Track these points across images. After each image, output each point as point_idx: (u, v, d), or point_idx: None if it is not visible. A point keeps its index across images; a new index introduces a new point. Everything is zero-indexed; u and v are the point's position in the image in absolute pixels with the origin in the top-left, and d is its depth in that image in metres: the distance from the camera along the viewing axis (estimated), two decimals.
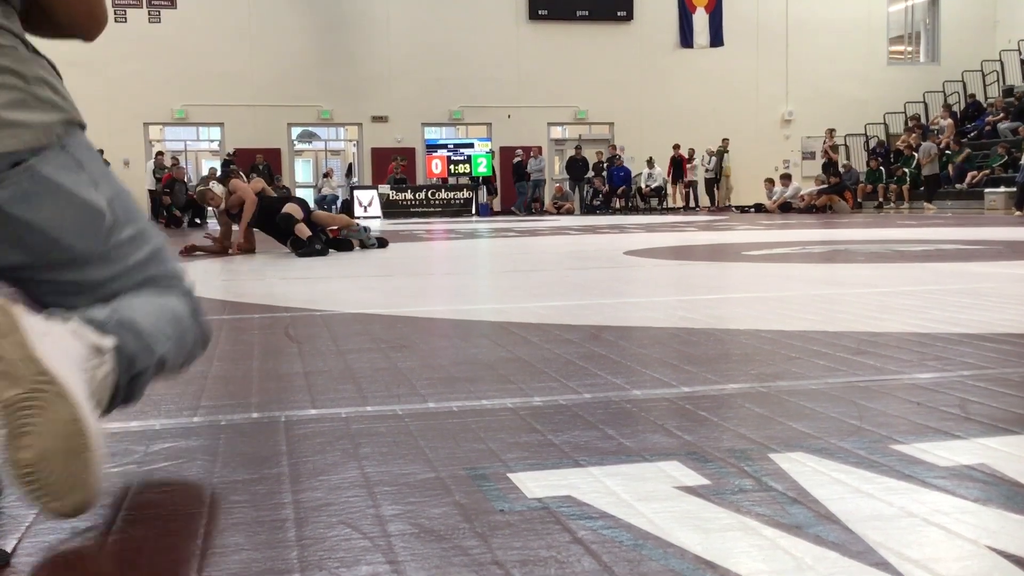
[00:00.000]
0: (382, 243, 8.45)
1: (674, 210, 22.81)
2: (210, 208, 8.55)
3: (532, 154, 22.57)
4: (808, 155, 25.35)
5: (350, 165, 25.06)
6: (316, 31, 23.01)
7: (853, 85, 25.15)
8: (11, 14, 1.39)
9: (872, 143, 24.16)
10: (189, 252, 8.01)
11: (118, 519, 1.25)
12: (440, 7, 23.44)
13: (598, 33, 24.37)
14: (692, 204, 23.63)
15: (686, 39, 24.72)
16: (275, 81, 22.73)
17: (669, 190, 23.53)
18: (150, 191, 20.13)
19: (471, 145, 23.46)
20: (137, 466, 1.51)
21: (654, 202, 23.19)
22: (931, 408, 1.78)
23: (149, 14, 22.10)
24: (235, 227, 8.17)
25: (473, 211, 21.79)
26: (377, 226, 14.59)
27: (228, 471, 1.46)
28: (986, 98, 24.01)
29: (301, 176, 25.66)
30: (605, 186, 23.06)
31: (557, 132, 25.50)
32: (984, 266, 5.28)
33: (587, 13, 24.30)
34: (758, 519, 1.18)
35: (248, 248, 8.11)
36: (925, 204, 18.89)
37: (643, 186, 23.27)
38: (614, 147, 24.03)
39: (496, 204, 23.48)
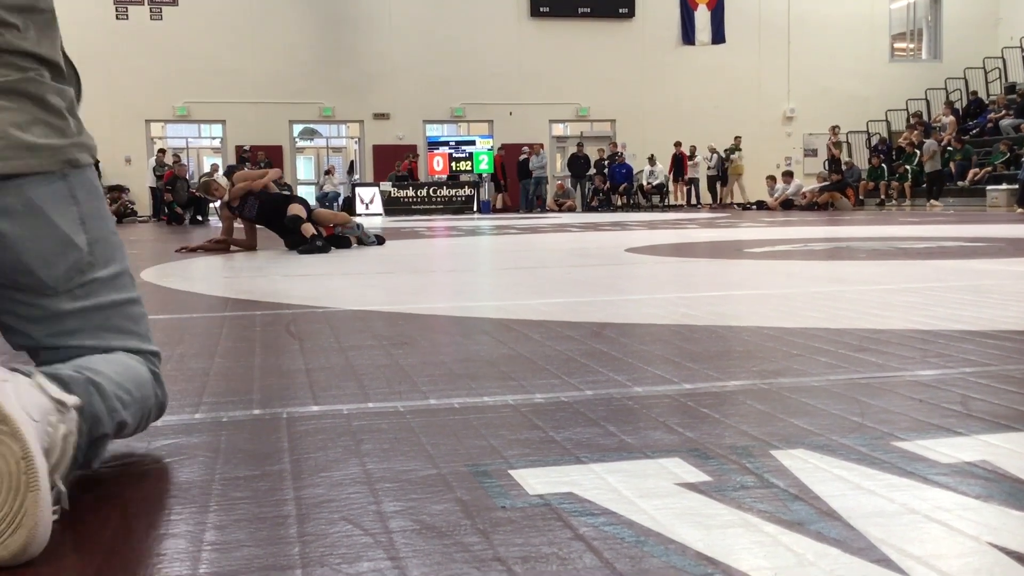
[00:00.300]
0: (380, 240, 8.46)
1: (676, 207, 22.81)
2: (212, 205, 8.55)
3: (533, 151, 22.57)
4: (810, 152, 25.35)
5: (352, 162, 25.07)
6: (318, 28, 23.00)
7: (855, 82, 25.14)
8: (46, 31, 1.40)
9: (874, 140, 24.14)
10: (190, 251, 8.01)
11: (117, 515, 1.25)
12: (442, 4, 23.44)
13: (600, 30, 24.36)
14: (694, 201, 23.62)
15: (688, 36, 24.70)
16: (277, 78, 22.73)
17: (671, 187, 23.53)
18: (151, 188, 20.14)
19: (473, 142, 23.46)
20: (138, 463, 1.51)
21: (655, 199, 23.19)
22: (933, 405, 1.77)
23: (151, 11, 22.10)
24: (237, 224, 8.17)
25: (475, 208, 21.78)
26: (379, 223, 14.59)
27: (230, 467, 1.46)
28: (988, 95, 24.00)
29: (303, 173, 25.67)
30: (606, 184, 23.07)
31: (559, 129, 25.50)
32: (986, 263, 5.27)
33: (589, 10, 24.30)
34: (759, 516, 1.18)
35: (250, 245, 8.11)
36: (932, 201, 18.84)
37: (645, 183, 23.26)
38: (615, 144, 24.02)
39: (500, 202, 23.47)
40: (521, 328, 2.92)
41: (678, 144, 23.22)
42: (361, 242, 8.20)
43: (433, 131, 24.52)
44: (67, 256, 1.38)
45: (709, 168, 23.59)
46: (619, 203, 23.27)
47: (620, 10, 24.48)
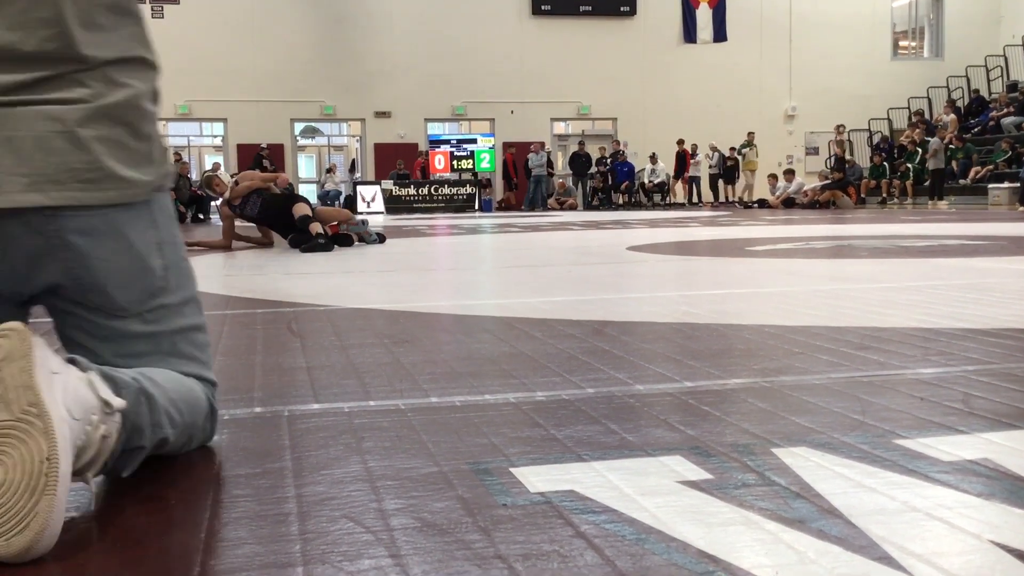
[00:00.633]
0: (381, 238, 8.46)
1: (678, 206, 22.80)
2: (213, 203, 8.55)
3: (532, 149, 22.56)
4: (811, 150, 25.33)
5: (353, 160, 25.07)
6: (319, 26, 23.00)
7: (857, 80, 25.11)
8: (136, 31, 1.42)
9: (876, 138, 24.12)
10: (189, 246, 8.01)
11: (120, 513, 1.25)
12: (443, 2, 23.44)
13: (601, 28, 24.35)
14: (695, 200, 23.61)
15: (689, 34, 24.69)
16: (278, 76, 22.73)
17: (672, 185, 23.52)
18: None
19: (474, 140, 23.46)
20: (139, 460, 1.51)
21: (657, 198, 23.18)
22: (934, 403, 1.77)
23: (152, 9, 22.08)
24: (238, 221, 8.17)
25: (476, 207, 21.78)
26: (380, 221, 14.59)
27: (231, 465, 1.46)
28: (990, 93, 23.97)
29: (304, 172, 25.68)
30: (602, 183, 23.08)
31: (560, 128, 25.49)
32: (988, 261, 5.27)
33: (590, 8, 24.29)
34: (761, 513, 1.18)
35: (268, 242, 8.13)
36: (937, 201, 18.79)
37: (646, 181, 23.25)
38: (618, 142, 24.01)
39: (512, 200, 23.44)
40: (522, 326, 2.92)
41: (680, 142, 23.21)
42: (363, 240, 8.20)
43: (434, 129, 24.52)
44: (143, 280, 1.41)
45: (711, 166, 23.58)
46: (620, 201, 23.27)
47: (621, 8, 24.46)
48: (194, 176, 19.84)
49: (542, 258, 6.42)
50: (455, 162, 22.99)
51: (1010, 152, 19.12)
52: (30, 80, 1.30)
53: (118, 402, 1.24)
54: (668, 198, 23.28)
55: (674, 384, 1.99)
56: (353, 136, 25.12)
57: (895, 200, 20.32)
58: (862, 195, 20.89)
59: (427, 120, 24.18)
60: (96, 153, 1.33)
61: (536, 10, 24.05)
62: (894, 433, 1.56)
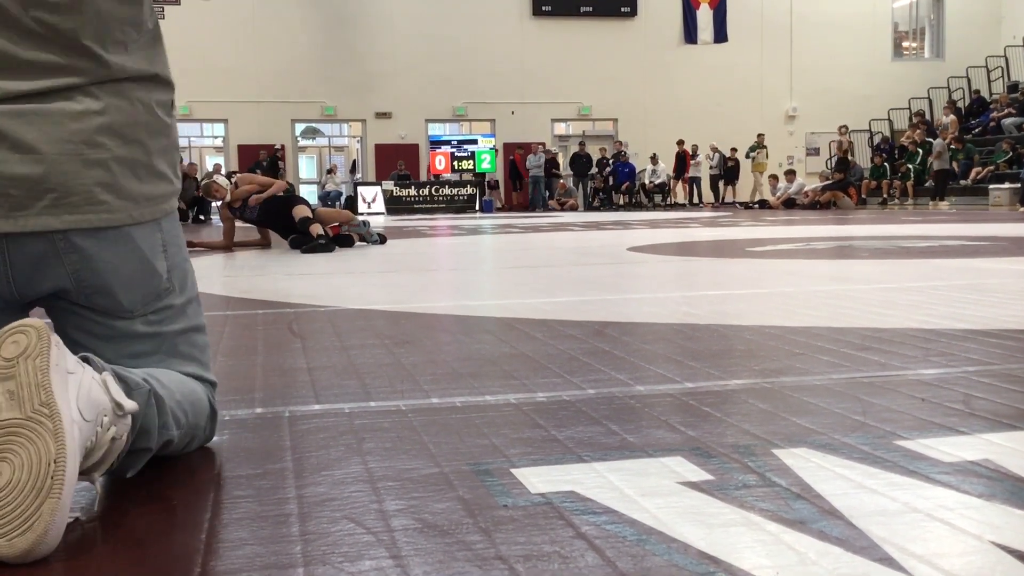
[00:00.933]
0: (382, 239, 8.47)
1: (678, 206, 22.80)
2: (214, 204, 8.55)
3: (531, 150, 22.56)
4: (812, 151, 25.32)
5: (354, 161, 25.08)
6: (320, 27, 23.00)
7: (857, 81, 25.11)
8: (154, 47, 1.43)
9: (876, 139, 24.12)
10: (189, 247, 8.00)
11: (122, 513, 1.25)
12: (444, 3, 23.44)
13: (602, 29, 24.34)
14: (696, 200, 23.61)
15: (690, 35, 24.69)
16: (279, 77, 22.73)
17: (672, 186, 23.52)
18: None
19: (475, 141, 23.46)
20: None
21: (658, 198, 23.19)
22: (935, 404, 1.77)
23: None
24: (239, 223, 8.17)
25: (477, 208, 21.78)
26: (381, 222, 14.59)
27: (232, 466, 1.46)
28: (991, 94, 23.96)
29: (305, 172, 25.68)
30: (603, 183, 23.07)
31: (561, 128, 25.49)
32: (989, 262, 5.27)
33: (591, 9, 24.29)
34: (762, 514, 1.18)
35: (265, 243, 8.13)
36: (938, 201, 18.77)
37: (647, 182, 23.26)
38: (620, 143, 24.01)
39: (515, 200, 23.41)
40: (523, 327, 2.92)
41: (681, 143, 23.21)
42: (364, 240, 8.21)
43: (435, 130, 24.52)
44: (148, 282, 1.41)
45: (711, 167, 23.58)
46: (621, 202, 23.26)
47: (622, 9, 24.46)
48: (199, 176, 19.85)
49: (543, 259, 6.42)
50: (456, 163, 22.99)
51: (1011, 153, 19.12)
52: (43, 89, 1.30)
53: (130, 404, 1.24)
54: (669, 199, 23.27)
55: (675, 385, 1.99)
56: (354, 137, 25.12)
57: (896, 201, 20.32)
58: (863, 196, 20.88)
59: (428, 121, 24.18)
60: (110, 175, 1.34)
61: (537, 11, 24.05)
62: (895, 434, 1.56)
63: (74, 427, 1.12)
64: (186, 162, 20.38)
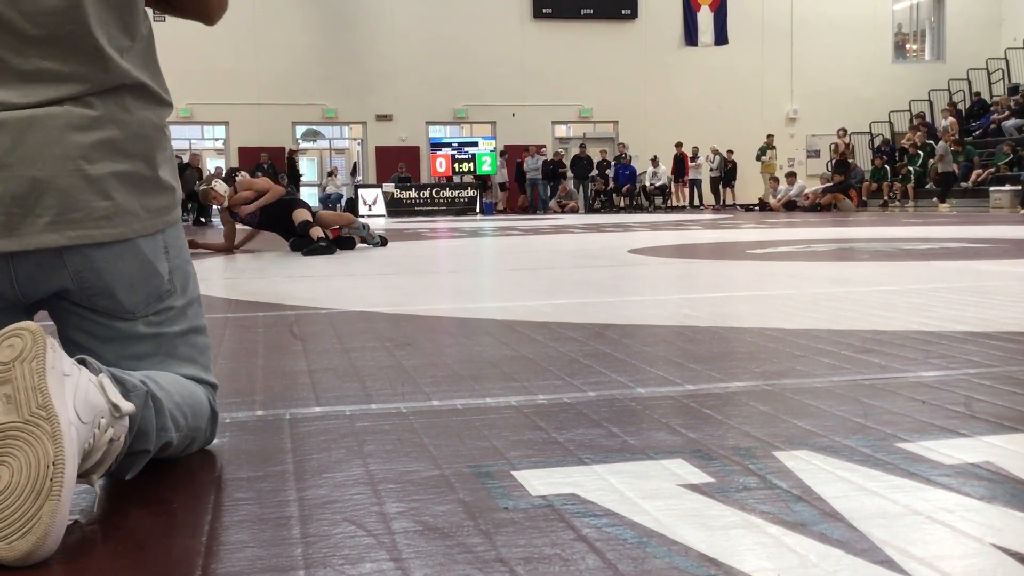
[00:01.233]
0: (383, 241, 8.47)
1: (679, 208, 22.80)
2: (215, 207, 8.55)
3: (529, 152, 22.56)
4: (812, 153, 25.32)
5: (354, 164, 25.09)
6: (321, 29, 23.02)
7: (858, 83, 25.12)
8: (148, 55, 1.43)
9: (877, 141, 24.12)
10: (191, 248, 8.00)
11: (122, 516, 1.25)
12: (445, 5, 23.45)
13: (602, 31, 24.36)
14: (696, 203, 23.61)
15: (691, 37, 24.70)
16: (280, 80, 22.75)
17: (673, 188, 23.52)
18: None
19: (475, 143, 23.47)
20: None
21: (658, 200, 23.19)
22: (936, 406, 1.77)
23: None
24: (239, 225, 8.17)
25: (477, 210, 21.79)
26: (382, 224, 14.59)
27: (232, 468, 1.46)
28: (991, 96, 23.97)
29: (306, 175, 25.68)
30: (606, 186, 23.07)
31: (561, 130, 25.49)
32: (989, 264, 5.26)
33: (591, 11, 24.30)
34: (762, 517, 1.18)
35: (228, 248, 8.10)
36: (939, 204, 18.76)
37: (648, 184, 23.26)
38: (622, 145, 24.01)
39: (520, 203, 23.40)
40: (524, 329, 2.92)
41: (679, 145, 23.21)
42: (365, 242, 8.21)
43: (436, 132, 24.53)
44: (150, 283, 1.42)
45: (712, 169, 23.58)
46: (622, 204, 23.26)
47: (623, 11, 24.48)
48: (200, 167, 19.88)
49: (543, 261, 6.42)
50: (456, 165, 23.00)
51: (1011, 155, 19.12)
52: (41, 101, 1.30)
53: (127, 406, 1.24)
54: (669, 201, 23.27)
55: (675, 387, 1.99)
56: (354, 139, 25.12)
57: (896, 203, 20.32)
58: (863, 198, 20.88)
59: (428, 123, 24.19)
60: (111, 191, 1.34)
61: (537, 13, 24.06)
62: (896, 436, 1.56)
63: (72, 429, 1.12)
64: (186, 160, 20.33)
